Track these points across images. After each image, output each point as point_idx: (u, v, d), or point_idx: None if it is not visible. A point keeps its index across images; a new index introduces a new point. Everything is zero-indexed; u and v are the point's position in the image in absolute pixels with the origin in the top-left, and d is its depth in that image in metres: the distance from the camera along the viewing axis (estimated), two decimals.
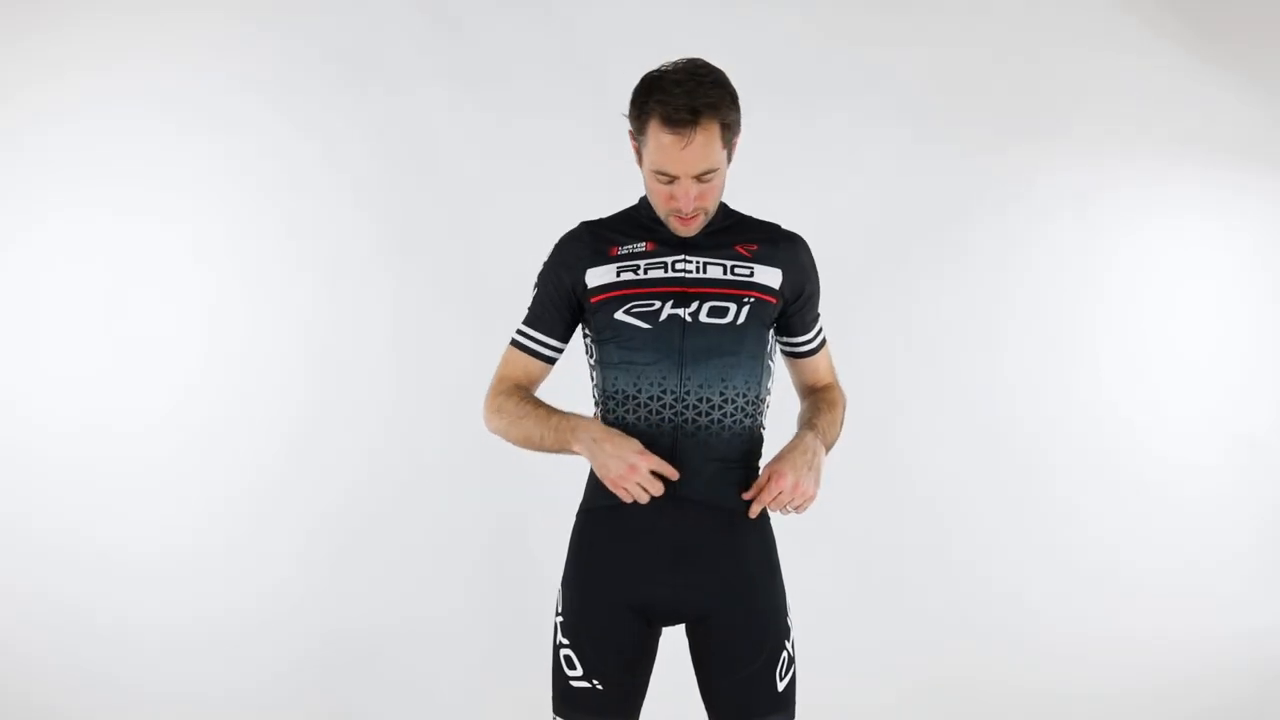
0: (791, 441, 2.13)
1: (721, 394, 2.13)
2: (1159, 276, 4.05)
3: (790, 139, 3.77)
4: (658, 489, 2.03)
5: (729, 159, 2.10)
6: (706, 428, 2.12)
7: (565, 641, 2.17)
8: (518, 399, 2.21)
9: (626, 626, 2.15)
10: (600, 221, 2.24)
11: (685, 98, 1.98)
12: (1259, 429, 4.06)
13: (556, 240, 2.24)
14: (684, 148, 2.01)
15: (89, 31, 3.64)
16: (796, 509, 2.06)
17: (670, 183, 2.05)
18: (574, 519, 2.24)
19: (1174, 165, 4.03)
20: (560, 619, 2.19)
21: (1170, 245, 4.06)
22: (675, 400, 2.11)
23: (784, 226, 2.25)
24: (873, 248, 3.87)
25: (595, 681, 2.13)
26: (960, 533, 3.92)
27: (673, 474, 2.04)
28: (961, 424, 3.93)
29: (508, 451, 3.57)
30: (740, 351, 2.14)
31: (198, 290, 3.71)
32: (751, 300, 2.14)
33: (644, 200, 2.23)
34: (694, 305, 2.12)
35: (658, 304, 2.12)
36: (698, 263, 2.14)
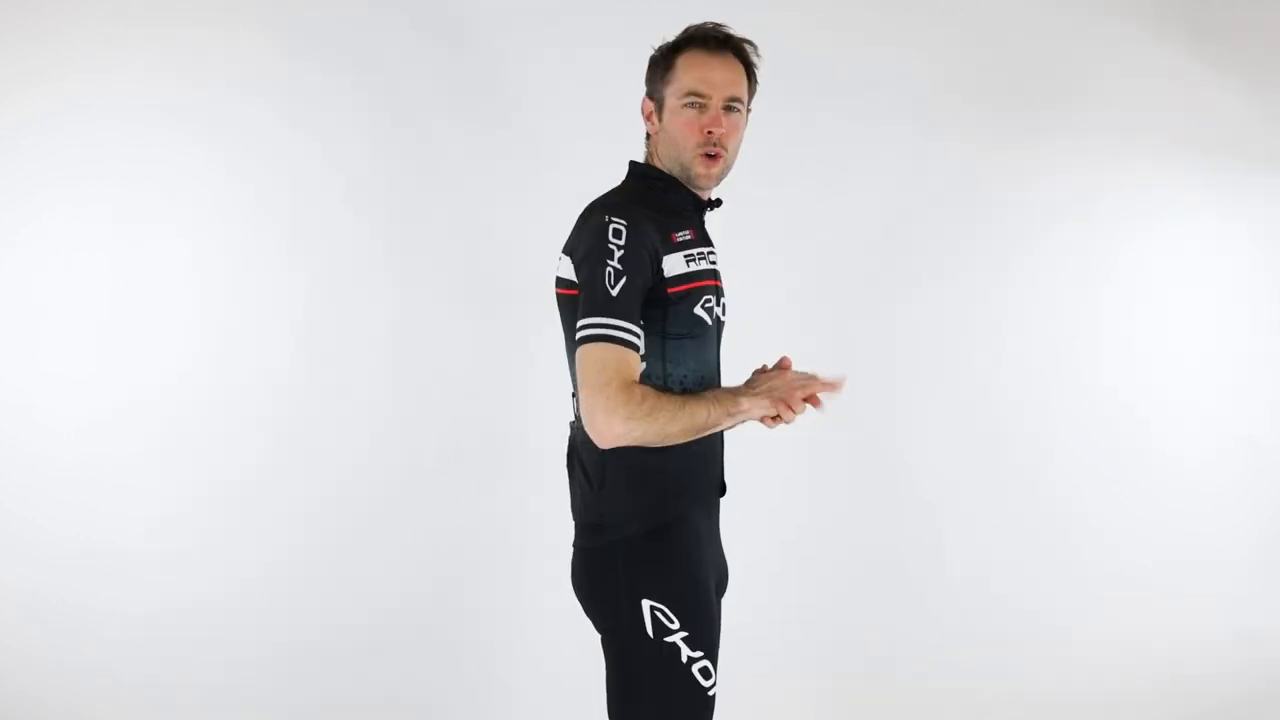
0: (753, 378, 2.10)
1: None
2: (1160, 276, 4.05)
3: (790, 139, 3.76)
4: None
5: (744, 121, 2.13)
6: None
7: (698, 655, 2.07)
8: (664, 395, 2.01)
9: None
10: (637, 199, 2.11)
11: (721, 32, 2.12)
12: (1259, 430, 4.06)
13: (617, 224, 2.00)
14: (720, 64, 2.08)
15: (89, 33, 3.63)
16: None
17: (701, 110, 2.07)
18: (625, 546, 2.09)
19: (1175, 166, 4.03)
20: (683, 634, 2.06)
21: (1171, 246, 4.05)
22: None
23: None
24: (872, 247, 3.85)
25: (716, 680, 2.10)
26: (959, 533, 3.91)
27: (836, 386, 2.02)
28: (961, 424, 3.93)
29: (507, 452, 3.60)
30: None
31: (196, 290, 3.70)
32: None
33: (658, 183, 2.15)
34: (724, 300, 2.19)
35: (712, 300, 2.12)
36: (716, 254, 2.17)
